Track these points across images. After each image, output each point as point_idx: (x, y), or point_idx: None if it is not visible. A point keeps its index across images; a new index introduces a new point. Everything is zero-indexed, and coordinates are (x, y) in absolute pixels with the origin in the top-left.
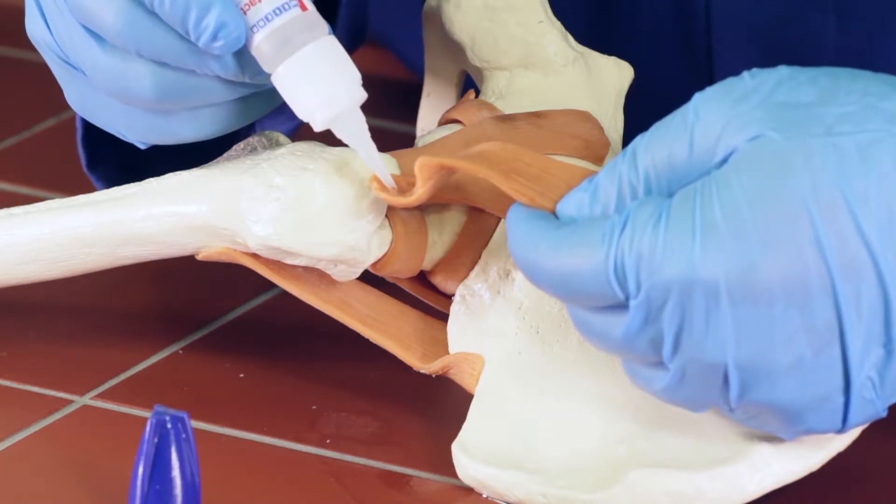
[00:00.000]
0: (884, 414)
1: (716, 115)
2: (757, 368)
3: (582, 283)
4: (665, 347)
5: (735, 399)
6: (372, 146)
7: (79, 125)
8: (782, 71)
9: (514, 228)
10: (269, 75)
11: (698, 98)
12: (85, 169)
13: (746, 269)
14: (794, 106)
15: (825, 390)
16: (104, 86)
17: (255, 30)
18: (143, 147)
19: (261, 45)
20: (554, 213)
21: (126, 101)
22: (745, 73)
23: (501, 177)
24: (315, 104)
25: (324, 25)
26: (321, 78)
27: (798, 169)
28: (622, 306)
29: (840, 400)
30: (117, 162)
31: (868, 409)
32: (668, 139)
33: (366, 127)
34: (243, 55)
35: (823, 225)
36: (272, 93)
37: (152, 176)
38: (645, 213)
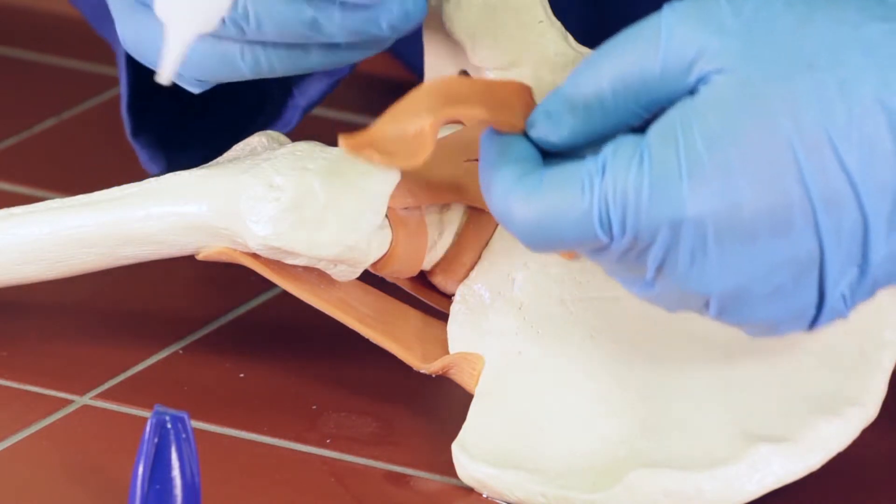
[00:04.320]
0: (847, 316)
1: (690, 41)
2: (737, 298)
3: (564, 235)
4: (647, 276)
5: (712, 317)
6: (178, 41)
7: (124, 92)
8: None
9: (487, 176)
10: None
11: (669, 15)
12: (129, 136)
13: (733, 207)
14: (770, 35)
15: (800, 307)
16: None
17: None
18: (197, 90)
19: None
20: (523, 133)
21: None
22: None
23: (483, 111)
24: None
25: None
26: None
27: (781, 108)
28: (605, 247)
29: (812, 313)
30: (159, 132)
31: (835, 315)
32: (638, 55)
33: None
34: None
35: (807, 162)
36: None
37: (191, 149)
38: (623, 154)
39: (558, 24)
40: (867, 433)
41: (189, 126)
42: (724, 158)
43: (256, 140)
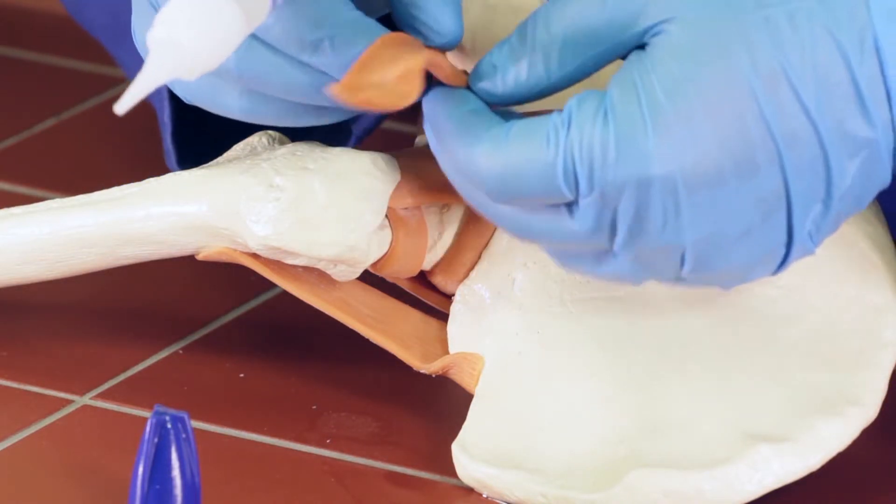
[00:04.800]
0: (814, 252)
1: None
2: (711, 246)
3: (526, 186)
4: (618, 240)
5: (687, 273)
6: (150, 80)
7: (167, 122)
8: None
9: (446, 127)
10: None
11: None
12: (175, 165)
13: (700, 155)
14: None
15: (770, 248)
16: None
17: None
18: (185, 101)
19: None
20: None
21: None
22: None
23: (444, 59)
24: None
25: None
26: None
27: (736, 48)
28: (567, 204)
29: (782, 252)
30: (204, 160)
31: (804, 253)
32: (583, 7)
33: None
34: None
35: (766, 99)
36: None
37: None
38: (588, 109)
39: None
40: (867, 433)
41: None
42: (686, 106)
43: (256, 140)
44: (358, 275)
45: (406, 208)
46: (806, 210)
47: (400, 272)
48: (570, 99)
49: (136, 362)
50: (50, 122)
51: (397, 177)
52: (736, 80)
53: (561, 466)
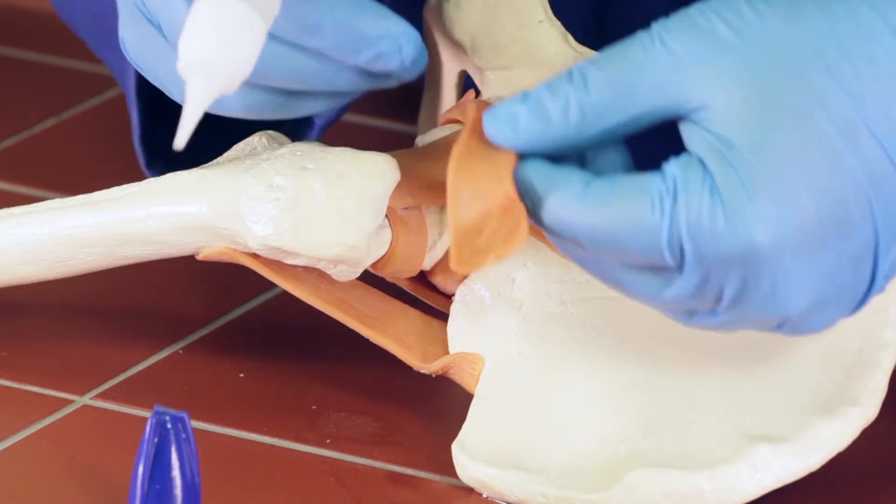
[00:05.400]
0: (885, 289)
1: (688, 57)
2: (812, 310)
3: (627, 246)
4: (721, 306)
5: (787, 333)
6: (197, 106)
7: (136, 124)
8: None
9: (537, 186)
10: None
11: (662, 31)
12: (144, 168)
13: (802, 219)
14: (768, 37)
15: (854, 297)
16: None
17: None
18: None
19: None
20: None
21: None
22: (705, 8)
23: None
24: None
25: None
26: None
27: (808, 102)
28: (669, 268)
29: (860, 298)
30: (173, 158)
31: (878, 293)
32: (629, 66)
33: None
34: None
35: (850, 150)
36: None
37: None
38: (694, 180)
39: (558, 24)
40: (867, 433)
41: (204, 149)
42: (781, 171)
43: (256, 140)
44: (358, 275)
45: (406, 208)
46: (887, 254)
47: (400, 272)
48: (669, 164)
49: (136, 362)
50: (50, 122)
51: (397, 177)
52: (816, 133)
53: (561, 466)
